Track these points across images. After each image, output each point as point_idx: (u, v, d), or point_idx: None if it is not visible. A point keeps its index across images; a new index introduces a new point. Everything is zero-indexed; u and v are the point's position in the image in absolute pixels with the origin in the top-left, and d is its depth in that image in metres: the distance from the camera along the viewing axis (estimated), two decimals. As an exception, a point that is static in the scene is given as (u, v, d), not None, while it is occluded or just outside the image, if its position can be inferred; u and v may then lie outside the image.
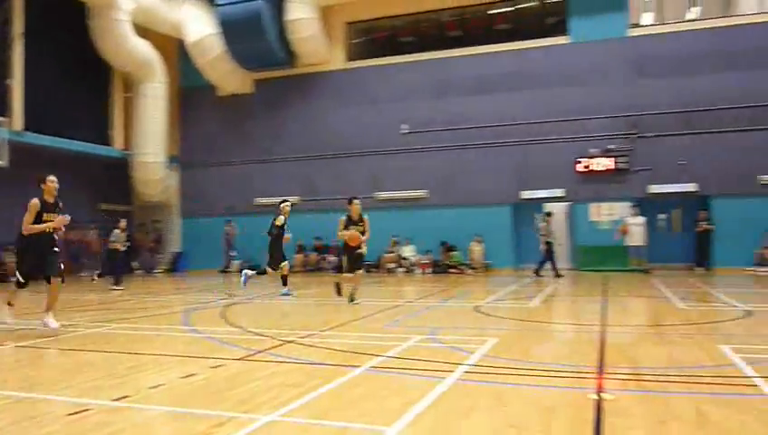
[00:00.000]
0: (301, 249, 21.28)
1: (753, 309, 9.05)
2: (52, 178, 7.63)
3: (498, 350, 6.16)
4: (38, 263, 7.64)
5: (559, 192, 19.20)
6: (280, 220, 12.02)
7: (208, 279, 18.51)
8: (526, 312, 9.61)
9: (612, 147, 18.72)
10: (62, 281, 7.76)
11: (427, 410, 4.06)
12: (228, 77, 22.44)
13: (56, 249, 7.73)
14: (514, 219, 19.87)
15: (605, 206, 18.94)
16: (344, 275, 10.66)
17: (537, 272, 16.53)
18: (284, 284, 12.10)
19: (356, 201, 10.46)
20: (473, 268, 19.12)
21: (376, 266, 19.89)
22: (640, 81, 18.66)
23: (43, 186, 7.61)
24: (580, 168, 19.01)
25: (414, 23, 22.17)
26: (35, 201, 7.49)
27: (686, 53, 18.38)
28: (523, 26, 20.82)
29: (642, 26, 19.44)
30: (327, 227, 21.17)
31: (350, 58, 22.18)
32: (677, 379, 4.86)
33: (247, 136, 22.84)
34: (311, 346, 6.48)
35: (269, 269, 12.20)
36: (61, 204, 7.78)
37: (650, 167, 18.33)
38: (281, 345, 6.55)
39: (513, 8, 21.16)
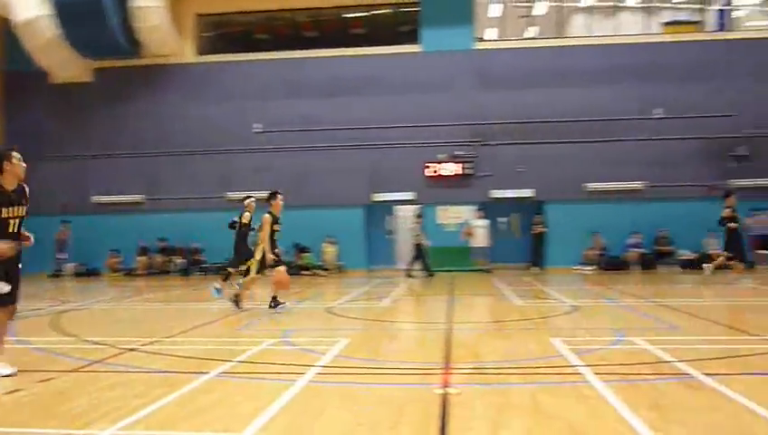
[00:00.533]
0: (144, 251, 20.05)
1: (580, 304, 9.96)
2: (17, 154, 5.25)
3: (349, 350, 6.22)
4: None
5: (409, 195, 19.85)
6: (246, 217, 11.12)
7: (37, 284, 16.85)
8: (377, 312, 9.81)
9: (459, 153, 19.71)
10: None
11: (280, 413, 4.00)
12: (63, 64, 20.56)
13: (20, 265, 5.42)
14: (367, 221, 20.24)
15: (452, 209, 19.89)
16: (252, 277, 9.73)
17: (409, 273, 17.10)
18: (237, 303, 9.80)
19: (280, 196, 9.56)
20: (326, 270, 19.18)
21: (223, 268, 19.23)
22: (485, 92, 19.82)
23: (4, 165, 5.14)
24: (429, 172, 19.79)
25: (268, 20, 21.83)
26: None
27: (525, 69, 19.82)
28: (377, 32, 21.32)
29: (487, 41, 20.71)
30: (173, 228, 20.32)
31: (202, 52, 21.31)
32: (516, 371, 5.20)
33: (84, 128, 21.06)
34: (155, 354, 6.11)
35: (231, 269, 11.21)
36: (27, 189, 5.38)
37: (492, 173, 19.53)
38: (121, 354, 6.11)
39: (367, 13, 21.58)
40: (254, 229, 11.06)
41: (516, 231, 20.41)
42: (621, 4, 20.65)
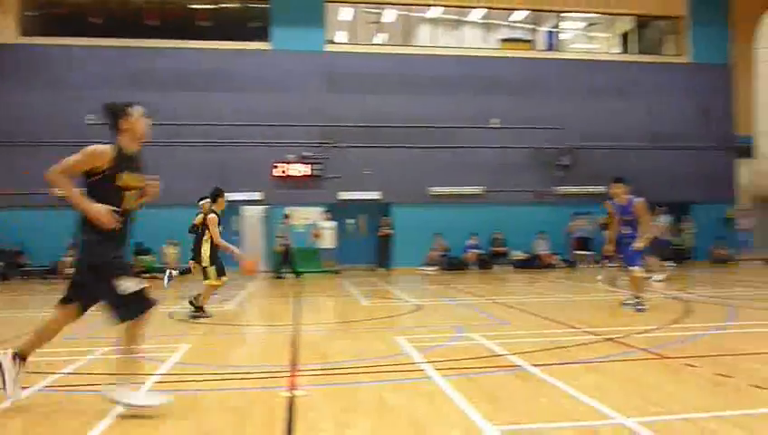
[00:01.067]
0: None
1: (423, 303, 10.37)
2: (138, 108, 4.20)
3: (191, 356, 5.95)
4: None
5: (257, 195, 19.47)
6: (199, 219, 10.15)
7: None
8: (222, 316, 9.48)
9: (308, 154, 19.68)
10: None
11: (114, 425, 3.72)
12: None
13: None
14: (212, 221, 19.54)
15: (301, 210, 19.80)
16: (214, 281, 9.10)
17: (278, 274, 17.10)
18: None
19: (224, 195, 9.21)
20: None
21: (52, 272, 17.57)
22: (334, 94, 20.00)
23: (127, 118, 4.14)
24: (277, 172, 19.56)
25: (106, 4, 20.29)
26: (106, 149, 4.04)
27: (373, 73, 20.29)
28: (226, 27, 20.66)
29: (337, 43, 20.89)
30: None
31: (26, 33, 19.30)
32: (363, 370, 5.27)
33: None
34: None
35: (192, 263, 10.12)
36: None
37: (340, 175, 19.75)
38: None
39: (215, 6, 20.85)
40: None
41: (363, 232, 20.81)
42: (464, 19, 21.86)
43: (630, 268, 8.67)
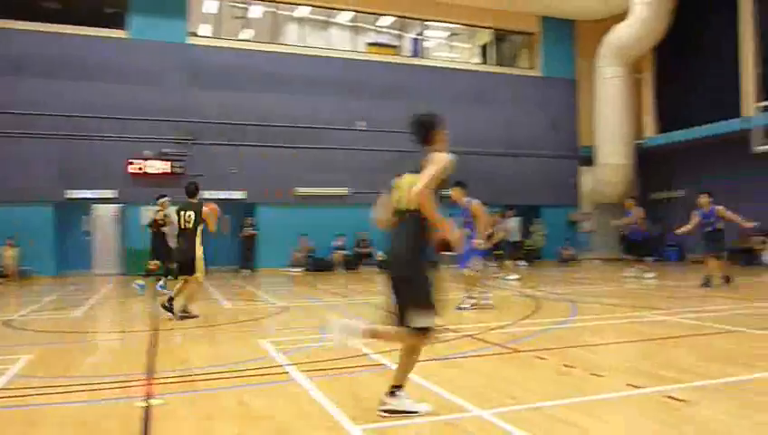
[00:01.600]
0: None
1: (288, 305, 10.25)
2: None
3: (33, 368, 5.44)
4: None
5: (110, 193, 18.23)
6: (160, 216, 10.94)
7: None
8: (69, 323, 8.76)
9: (168, 150, 18.75)
10: None
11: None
12: None
13: None
14: (58, 220, 18.02)
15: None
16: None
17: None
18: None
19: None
20: (3, 276, 16.58)
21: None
22: (197, 89, 19.21)
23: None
24: (133, 169, 18.43)
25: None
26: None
27: (239, 70, 19.75)
28: (77, 10, 19.11)
29: (200, 36, 20.09)
30: None
31: None
32: (224, 375, 5.10)
33: None
34: None
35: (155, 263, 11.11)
36: None
37: (203, 173, 18.99)
38: None
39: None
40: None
41: (226, 232, 20.20)
42: (332, 20, 21.94)
43: (462, 268, 9.12)
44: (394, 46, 22.77)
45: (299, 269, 19.04)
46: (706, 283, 11.61)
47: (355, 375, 5.02)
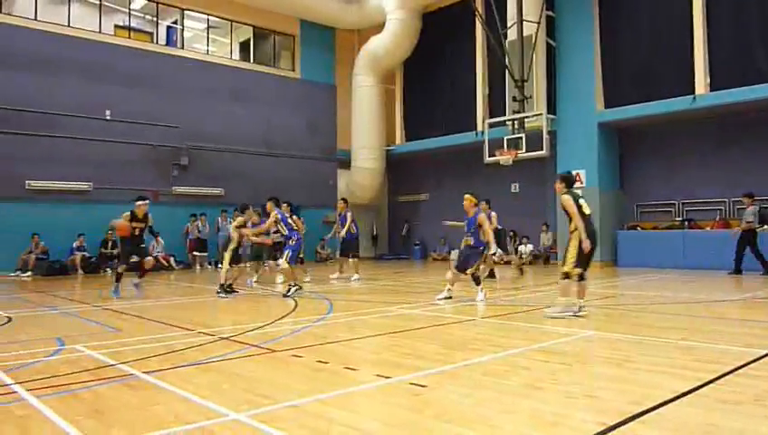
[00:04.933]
0: None
1: (14, 315, 8.94)
2: None
3: None
4: None
5: None
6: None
7: None
8: None
9: None
10: None
11: None
12: None
13: None
14: None
15: None
16: None
17: None
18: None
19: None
20: None
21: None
22: None
23: None
24: None
25: None
26: None
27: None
28: None
29: None
30: None
31: None
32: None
33: None
34: None
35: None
36: None
37: None
38: None
39: None
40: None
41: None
42: (74, -4, 19.67)
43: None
44: (148, 33, 21.31)
45: (29, 273, 16.82)
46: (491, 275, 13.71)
47: (99, 388, 4.56)
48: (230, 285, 11.37)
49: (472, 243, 9.63)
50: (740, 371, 4.83)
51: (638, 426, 3.50)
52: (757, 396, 4.09)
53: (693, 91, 16.32)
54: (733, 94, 15.59)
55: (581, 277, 7.90)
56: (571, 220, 7.88)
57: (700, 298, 10.27)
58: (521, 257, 18.22)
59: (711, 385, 4.39)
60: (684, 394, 4.13)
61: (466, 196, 9.79)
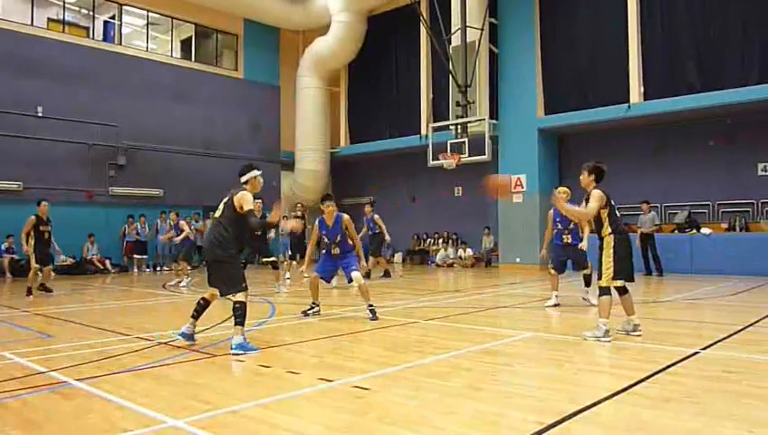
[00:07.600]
0: None
1: (-64, 320, 8.47)
2: None
3: None
4: None
5: None
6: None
7: None
8: None
9: None
10: None
11: None
12: None
13: None
14: None
15: None
16: None
17: None
18: None
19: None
20: None
21: None
22: None
23: None
24: None
25: None
26: None
27: None
28: None
29: None
30: None
31: None
32: None
33: None
34: None
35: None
36: None
37: None
38: None
39: None
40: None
41: None
42: (3, -13, 18.79)
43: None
44: (84, 27, 20.56)
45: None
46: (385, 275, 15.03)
47: (29, 397, 4.36)
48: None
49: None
50: (670, 369, 5.05)
51: (573, 425, 3.60)
52: (686, 393, 4.28)
53: (628, 100, 16.94)
54: (665, 104, 16.28)
55: (624, 290, 6.64)
56: (601, 223, 6.61)
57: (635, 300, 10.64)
58: (461, 258, 18.49)
59: (643, 383, 4.56)
60: (617, 393, 4.28)
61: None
